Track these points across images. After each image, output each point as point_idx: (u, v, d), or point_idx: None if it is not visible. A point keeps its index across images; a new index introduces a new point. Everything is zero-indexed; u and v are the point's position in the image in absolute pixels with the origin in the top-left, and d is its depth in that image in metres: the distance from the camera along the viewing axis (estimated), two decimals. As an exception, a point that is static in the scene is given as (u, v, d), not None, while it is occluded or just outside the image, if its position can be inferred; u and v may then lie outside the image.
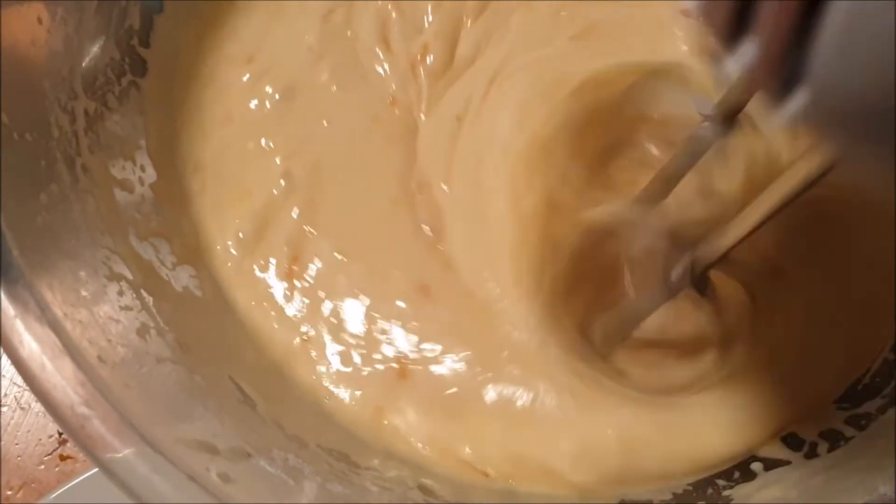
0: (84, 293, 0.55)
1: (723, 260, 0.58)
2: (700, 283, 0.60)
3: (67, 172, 0.60)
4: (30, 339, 0.50)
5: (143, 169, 0.69)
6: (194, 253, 0.70)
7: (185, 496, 0.49)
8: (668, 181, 0.62)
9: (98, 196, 0.62)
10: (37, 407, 0.83)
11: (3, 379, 0.83)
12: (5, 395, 0.83)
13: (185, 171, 0.72)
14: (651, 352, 0.68)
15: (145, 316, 0.60)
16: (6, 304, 0.51)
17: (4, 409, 0.82)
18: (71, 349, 0.51)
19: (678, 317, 0.67)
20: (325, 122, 0.73)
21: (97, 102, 0.66)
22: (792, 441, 0.64)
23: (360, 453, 0.65)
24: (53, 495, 0.74)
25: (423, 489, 0.64)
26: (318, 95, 0.74)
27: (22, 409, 0.82)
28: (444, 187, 0.70)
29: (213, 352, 0.64)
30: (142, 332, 0.59)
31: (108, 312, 0.57)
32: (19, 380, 0.78)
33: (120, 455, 0.49)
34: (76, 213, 0.59)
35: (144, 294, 0.62)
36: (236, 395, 0.62)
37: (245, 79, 0.75)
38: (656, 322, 0.67)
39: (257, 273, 0.70)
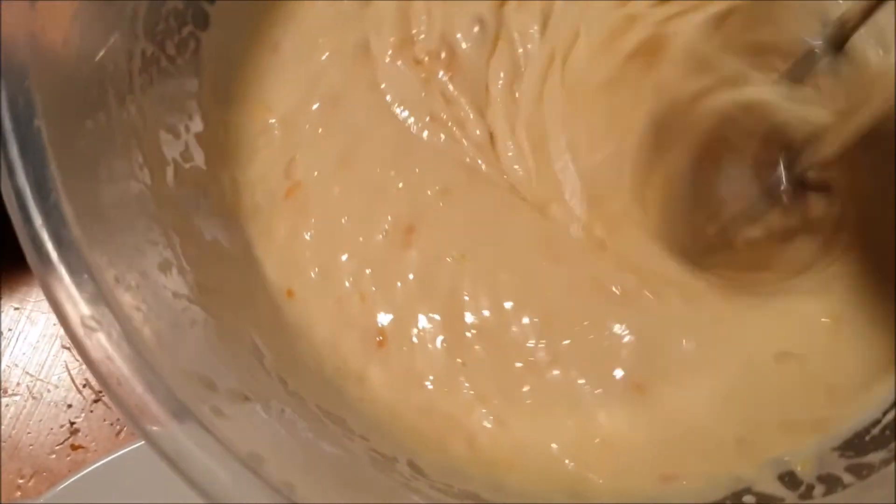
0: (111, 217, 0.55)
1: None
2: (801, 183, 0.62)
3: (117, 106, 0.61)
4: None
5: (190, 117, 0.69)
6: (230, 209, 0.70)
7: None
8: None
9: (142, 134, 0.63)
10: (48, 397, 0.86)
11: (15, 368, 0.84)
12: (17, 384, 0.84)
13: (234, 127, 0.72)
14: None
15: (169, 253, 0.60)
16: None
17: (17, 398, 0.83)
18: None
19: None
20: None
21: (156, 46, 0.66)
22: (789, 480, 0.63)
23: (357, 422, 0.64)
24: (65, 484, 0.75)
25: (411, 466, 0.63)
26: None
27: (34, 398, 0.84)
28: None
29: (232, 301, 0.65)
30: (164, 267, 0.59)
31: (133, 242, 0.57)
32: (32, 369, 0.80)
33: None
34: (118, 144, 0.60)
35: (172, 234, 0.62)
36: (247, 344, 0.62)
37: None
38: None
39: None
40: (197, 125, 0.70)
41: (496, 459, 0.67)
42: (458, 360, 0.69)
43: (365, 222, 0.71)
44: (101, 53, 0.60)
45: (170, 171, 0.66)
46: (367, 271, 0.70)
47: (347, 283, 0.70)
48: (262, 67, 0.75)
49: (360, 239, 0.71)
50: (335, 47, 0.77)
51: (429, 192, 0.71)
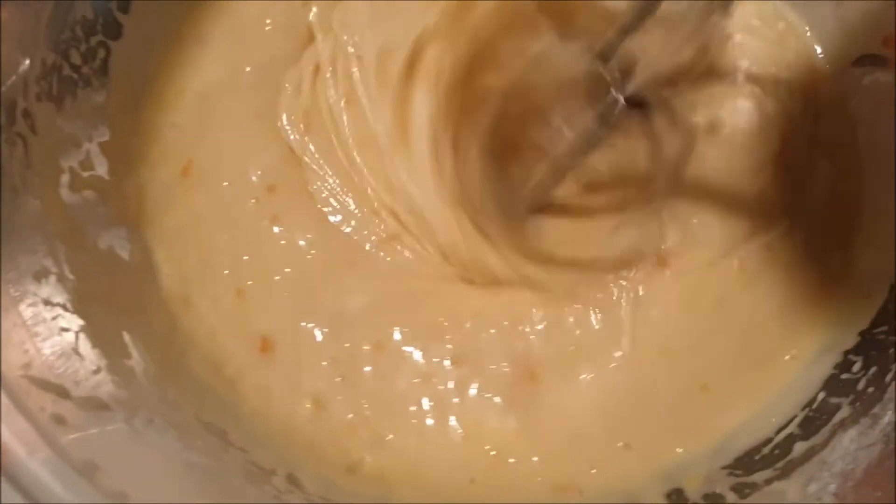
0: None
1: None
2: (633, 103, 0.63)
3: (6, 114, 0.62)
4: None
5: (95, 127, 0.70)
6: (133, 217, 0.71)
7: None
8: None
9: (31, 141, 0.63)
10: None
11: None
12: None
13: (142, 137, 0.73)
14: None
15: (50, 262, 0.61)
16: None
17: None
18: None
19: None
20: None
21: (58, 55, 0.67)
22: (677, 497, 0.63)
23: (238, 434, 0.64)
24: None
25: (290, 479, 0.64)
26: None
27: None
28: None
29: (118, 310, 0.66)
30: (39, 275, 0.60)
31: (7, 250, 0.58)
32: None
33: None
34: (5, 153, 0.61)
35: (57, 242, 0.63)
36: (125, 353, 0.62)
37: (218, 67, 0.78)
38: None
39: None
40: (102, 134, 0.70)
41: (382, 476, 0.66)
42: (338, 379, 0.69)
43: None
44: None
45: (64, 179, 0.66)
46: (249, 283, 0.72)
47: (231, 292, 0.71)
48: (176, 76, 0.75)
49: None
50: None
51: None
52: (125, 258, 0.70)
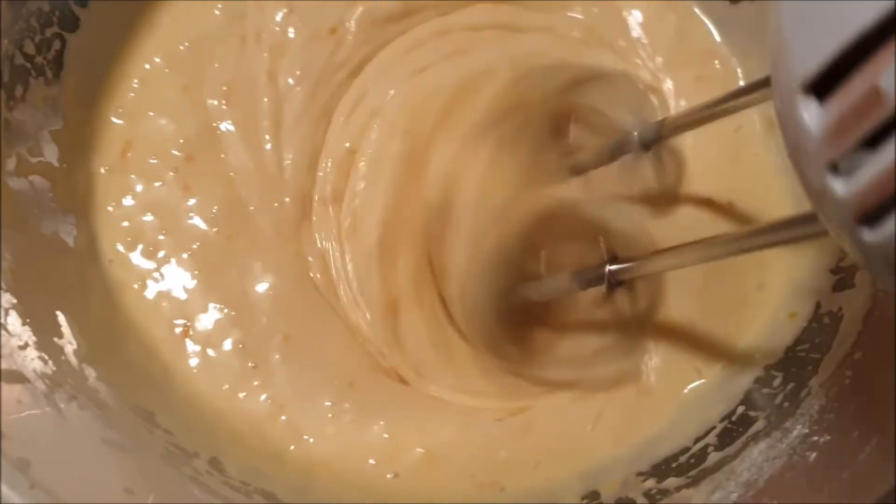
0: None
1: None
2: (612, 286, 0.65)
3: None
4: None
5: (45, 116, 0.72)
6: (80, 204, 0.73)
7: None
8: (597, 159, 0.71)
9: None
10: None
11: None
12: None
13: (93, 126, 0.75)
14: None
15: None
16: None
17: None
18: None
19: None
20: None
21: (10, 44, 0.69)
22: (591, 499, 0.64)
23: (166, 418, 0.66)
24: None
25: (213, 462, 0.65)
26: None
27: None
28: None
29: (54, 292, 0.68)
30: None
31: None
32: None
33: None
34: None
35: (-1, 224, 0.64)
36: (55, 332, 0.64)
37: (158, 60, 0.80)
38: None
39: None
40: (54, 123, 0.72)
41: (306, 465, 0.68)
42: (251, 365, 0.71)
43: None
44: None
45: (10, 164, 0.68)
46: (166, 264, 0.75)
47: (157, 275, 0.73)
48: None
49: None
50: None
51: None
52: (69, 243, 0.71)
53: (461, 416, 0.71)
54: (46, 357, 0.62)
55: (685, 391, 0.74)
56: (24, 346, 0.61)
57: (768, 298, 0.75)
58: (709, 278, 0.75)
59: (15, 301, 0.63)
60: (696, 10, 0.82)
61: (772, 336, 0.73)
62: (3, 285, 0.63)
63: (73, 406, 0.61)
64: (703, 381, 0.74)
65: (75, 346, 0.65)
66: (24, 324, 0.62)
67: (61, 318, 0.66)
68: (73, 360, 0.65)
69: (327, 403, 0.71)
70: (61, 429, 0.59)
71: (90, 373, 0.65)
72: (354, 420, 0.71)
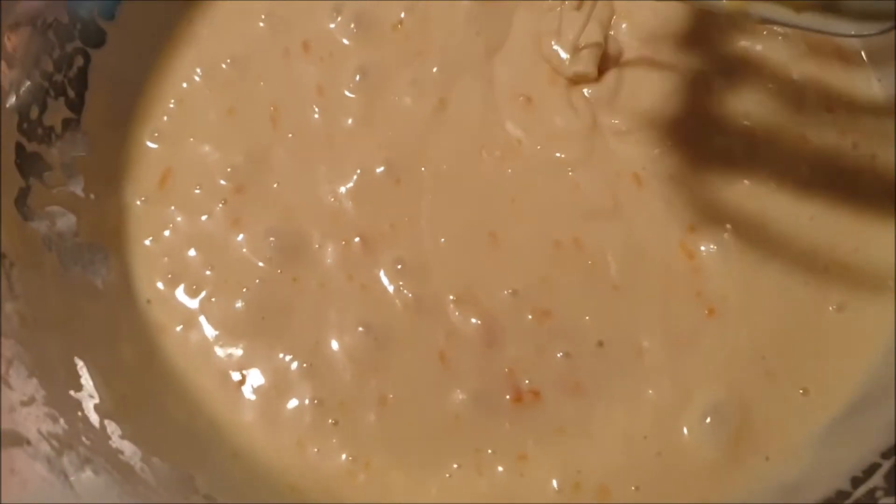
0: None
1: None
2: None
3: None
4: None
5: (67, 140, 0.63)
6: (112, 239, 0.63)
7: None
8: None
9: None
10: None
11: None
12: None
13: (123, 151, 0.65)
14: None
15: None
16: None
17: None
18: None
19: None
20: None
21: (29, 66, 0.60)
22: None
23: (209, 481, 0.56)
24: None
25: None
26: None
27: None
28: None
29: (74, 337, 0.59)
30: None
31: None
32: None
33: None
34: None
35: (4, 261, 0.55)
36: (72, 384, 0.54)
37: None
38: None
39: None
40: (78, 149, 0.63)
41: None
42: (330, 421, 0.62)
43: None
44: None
45: (25, 194, 0.59)
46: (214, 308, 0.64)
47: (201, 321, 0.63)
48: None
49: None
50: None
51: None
52: (96, 282, 0.61)
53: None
54: (57, 414, 0.51)
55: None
56: (29, 402, 0.50)
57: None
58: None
59: (20, 349, 0.51)
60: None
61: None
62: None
63: (86, 473, 0.49)
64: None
65: (97, 400, 0.56)
66: (30, 375, 0.51)
67: (82, 367, 0.55)
68: (94, 417, 0.55)
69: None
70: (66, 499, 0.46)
71: (114, 430, 0.55)
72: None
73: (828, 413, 0.60)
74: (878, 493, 0.53)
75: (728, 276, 0.62)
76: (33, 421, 0.51)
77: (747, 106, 0.66)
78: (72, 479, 0.50)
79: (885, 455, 0.55)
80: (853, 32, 0.52)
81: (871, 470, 0.55)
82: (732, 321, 0.62)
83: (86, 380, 0.57)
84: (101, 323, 0.61)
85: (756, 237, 0.63)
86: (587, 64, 0.67)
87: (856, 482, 0.55)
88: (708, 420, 0.59)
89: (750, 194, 0.64)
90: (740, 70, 0.68)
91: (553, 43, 0.69)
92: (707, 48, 0.68)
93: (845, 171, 0.65)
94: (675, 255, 0.63)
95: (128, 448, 0.55)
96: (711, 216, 0.64)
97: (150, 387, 0.60)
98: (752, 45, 0.68)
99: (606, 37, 0.68)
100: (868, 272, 0.62)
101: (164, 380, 0.61)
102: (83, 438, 0.53)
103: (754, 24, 0.58)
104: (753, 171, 0.64)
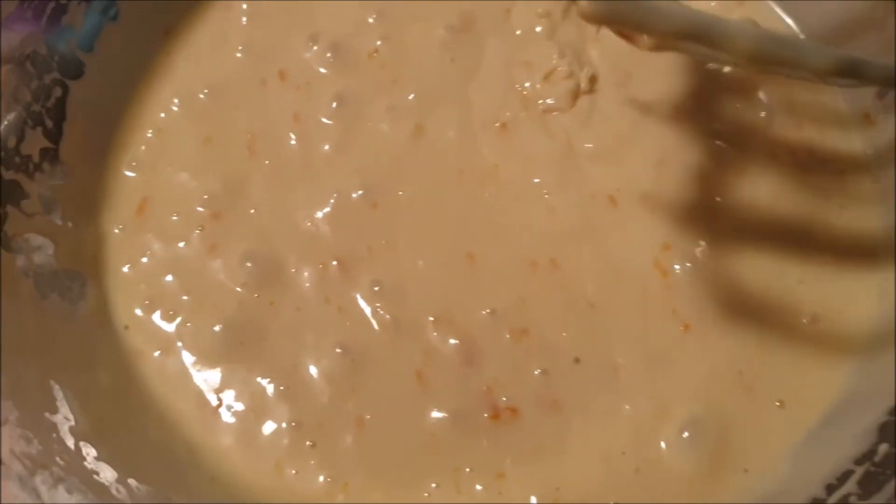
0: None
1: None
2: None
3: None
4: None
5: (45, 170, 0.63)
6: (90, 266, 0.63)
7: None
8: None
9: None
10: None
11: None
12: None
13: (102, 180, 0.66)
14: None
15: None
16: None
17: None
18: None
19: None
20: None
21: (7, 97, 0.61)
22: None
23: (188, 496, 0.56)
24: None
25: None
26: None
27: None
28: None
29: (48, 361, 0.57)
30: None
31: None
32: None
33: None
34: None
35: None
36: (45, 406, 0.54)
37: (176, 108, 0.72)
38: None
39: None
40: (56, 177, 0.63)
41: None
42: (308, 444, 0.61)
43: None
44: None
45: (9, 222, 0.60)
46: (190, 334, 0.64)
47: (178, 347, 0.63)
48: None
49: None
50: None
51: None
52: (73, 308, 0.61)
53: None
54: (31, 435, 0.51)
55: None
56: (3, 423, 0.50)
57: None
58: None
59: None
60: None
61: None
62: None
63: (59, 491, 0.48)
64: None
65: (73, 423, 0.54)
66: (5, 398, 0.51)
67: (57, 391, 0.55)
68: (69, 439, 0.53)
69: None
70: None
71: (89, 452, 0.54)
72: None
73: (804, 424, 0.59)
74: (852, 499, 0.52)
75: (703, 293, 0.62)
76: (6, 441, 0.51)
77: (716, 125, 0.66)
78: (44, 497, 0.49)
79: (858, 461, 0.54)
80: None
81: (844, 477, 0.54)
82: (708, 337, 0.61)
83: (61, 403, 0.56)
84: (78, 348, 0.61)
85: (729, 253, 0.63)
86: (559, 98, 0.67)
87: (830, 489, 0.54)
88: (686, 434, 0.58)
89: (722, 210, 0.64)
90: (710, 90, 0.68)
91: (525, 74, 0.69)
92: (677, 71, 0.68)
93: (817, 183, 0.65)
94: (650, 274, 0.63)
95: (103, 469, 0.54)
96: (685, 234, 0.63)
97: (127, 411, 0.60)
98: (721, 67, 0.68)
99: (579, 64, 0.68)
100: (840, 284, 0.62)
101: (141, 404, 0.60)
102: (57, 459, 0.52)
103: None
104: (725, 188, 0.64)
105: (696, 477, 0.58)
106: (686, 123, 0.67)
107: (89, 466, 0.54)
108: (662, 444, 0.59)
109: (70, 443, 0.55)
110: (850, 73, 0.50)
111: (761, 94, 0.69)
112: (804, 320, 0.62)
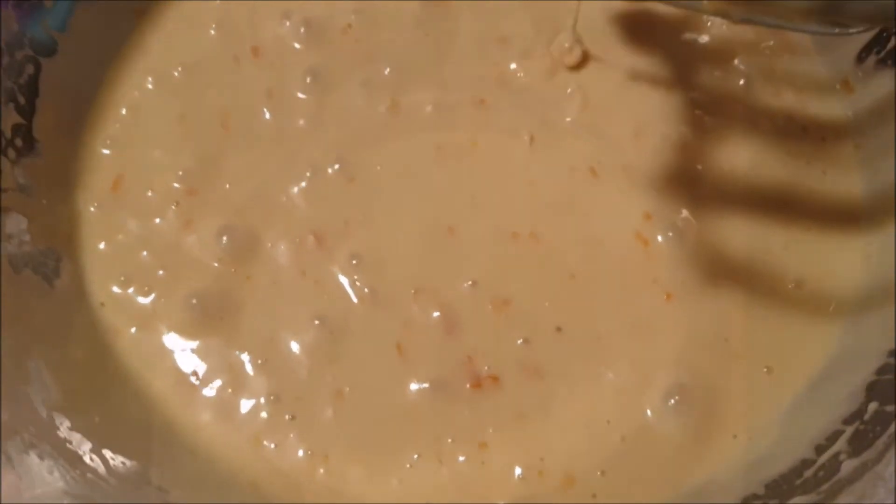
0: None
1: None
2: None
3: None
4: None
5: (19, 147, 0.62)
6: (65, 243, 0.63)
7: None
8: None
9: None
10: None
11: None
12: None
13: (76, 158, 0.65)
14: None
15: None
16: None
17: None
18: None
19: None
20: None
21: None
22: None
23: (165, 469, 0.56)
24: None
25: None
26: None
27: None
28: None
29: (22, 334, 0.57)
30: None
31: None
32: None
33: None
34: None
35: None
36: (18, 377, 0.53)
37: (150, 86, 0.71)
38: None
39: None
40: (29, 154, 0.62)
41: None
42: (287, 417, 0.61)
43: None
44: None
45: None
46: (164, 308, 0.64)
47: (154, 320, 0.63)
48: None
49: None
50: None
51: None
52: (47, 284, 0.60)
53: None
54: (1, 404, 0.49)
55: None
56: None
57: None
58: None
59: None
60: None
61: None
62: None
63: (29, 456, 0.47)
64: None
65: (45, 395, 0.53)
66: None
67: (31, 364, 0.54)
68: (42, 409, 0.51)
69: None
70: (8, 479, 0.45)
71: (62, 422, 0.53)
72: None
73: (792, 389, 0.59)
74: (842, 457, 0.52)
75: (685, 262, 0.62)
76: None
77: (695, 94, 0.66)
78: (14, 462, 0.48)
79: (847, 421, 0.54)
80: (837, 31, 0.52)
81: (834, 437, 0.54)
82: (692, 305, 0.61)
83: (35, 375, 0.55)
84: (53, 323, 0.60)
85: (712, 221, 0.62)
86: (536, 71, 0.67)
87: (819, 449, 0.53)
88: (672, 402, 0.58)
89: (704, 179, 0.63)
90: (687, 60, 0.68)
91: (501, 48, 0.68)
92: (655, 42, 0.68)
93: (798, 149, 0.64)
94: (631, 244, 0.62)
95: (76, 438, 0.53)
96: (666, 203, 0.63)
97: (102, 385, 0.59)
98: (698, 36, 0.68)
99: (556, 37, 0.67)
100: (824, 248, 0.62)
101: (118, 378, 0.60)
102: (30, 427, 0.51)
103: (734, 23, 0.57)
104: (706, 157, 0.64)
105: (684, 444, 0.58)
106: (665, 93, 0.67)
107: (62, 435, 0.53)
108: (648, 412, 0.58)
109: (43, 413, 0.53)
110: (833, 9, 0.49)
111: (739, 63, 0.68)
112: (789, 285, 0.61)
